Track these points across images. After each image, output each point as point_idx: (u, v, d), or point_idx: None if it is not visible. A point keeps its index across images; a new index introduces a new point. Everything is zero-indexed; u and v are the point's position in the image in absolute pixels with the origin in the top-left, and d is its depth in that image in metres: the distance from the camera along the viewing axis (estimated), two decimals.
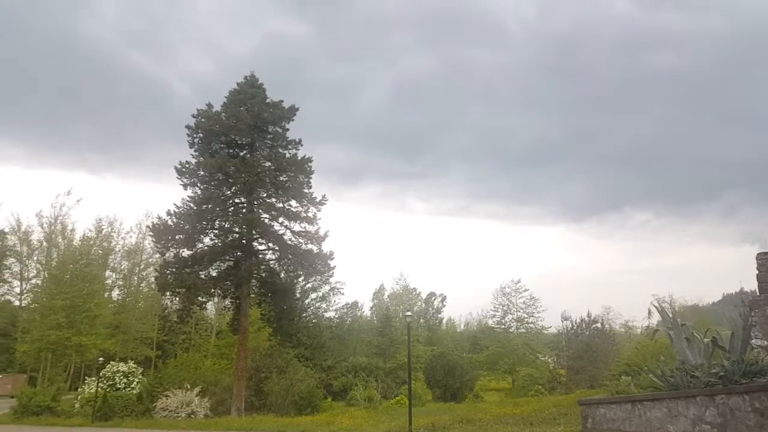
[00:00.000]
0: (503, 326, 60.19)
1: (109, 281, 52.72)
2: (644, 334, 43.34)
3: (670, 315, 14.07)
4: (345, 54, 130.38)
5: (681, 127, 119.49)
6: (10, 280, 52.32)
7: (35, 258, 51.39)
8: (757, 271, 9.92)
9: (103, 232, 51.71)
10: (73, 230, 50.65)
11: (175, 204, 27.85)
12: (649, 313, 42.70)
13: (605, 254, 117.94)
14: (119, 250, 53.97)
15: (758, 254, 9.98)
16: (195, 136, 28.32)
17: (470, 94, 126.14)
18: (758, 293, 9.88)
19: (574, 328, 43.49)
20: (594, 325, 42.83)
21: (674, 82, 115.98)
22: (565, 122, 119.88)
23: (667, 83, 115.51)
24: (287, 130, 29.45)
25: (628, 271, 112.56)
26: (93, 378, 32.41)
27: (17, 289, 52.73)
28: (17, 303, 53.23)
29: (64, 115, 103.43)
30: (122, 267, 54.58)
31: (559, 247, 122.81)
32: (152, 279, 48.65)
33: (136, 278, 54.90)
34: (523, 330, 58.79)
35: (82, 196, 69.50)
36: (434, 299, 72.11)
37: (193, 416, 24.15)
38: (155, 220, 28.86)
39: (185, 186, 28.03)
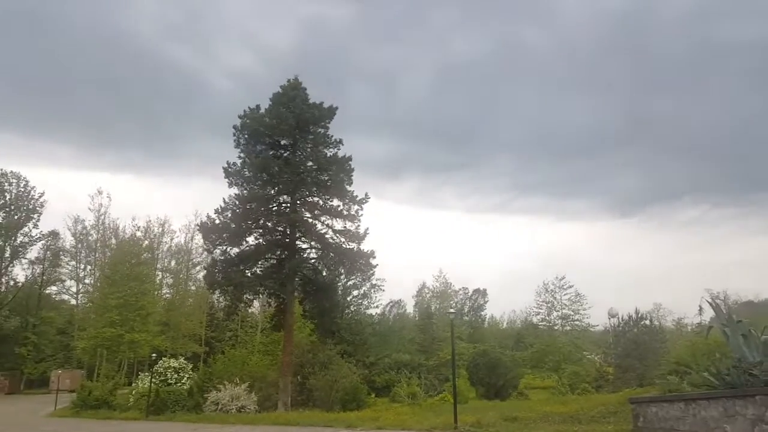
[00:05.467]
0: (548, 323, 59.31)
1: (158, 279, 54.52)
2: (696, 332, 41.86)
3: (725, 311, 13.62)
4: (388, 36, 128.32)
5: (752, 107, 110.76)
6: (65, 279, 55.00)
7: (91, 259, 53.75)
8: None
9: (153, 232, 53.56)
10: (118, 230, 52.74)
11: (224, 199, 28.88)
12: (701, 309, 41.19)
13: (656, 248, 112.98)
14: (167, 250, 55.85)
15: None
16: (241, 136, 29.11)
17: (520, 77, 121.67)
18: None
19: (621, 325, 42.41)
20: (642, 322, 41.66)
21: (746, 55, 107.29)
22: (622, 107, 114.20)
23: (738, 58, 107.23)
24: (328, 128, 30.05)
25: (680, 266, 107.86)
26: (146, 373, 33.53)
27: (73, 289, 55.27)
28: (74, 302, 55.81)
29: (107, 113, 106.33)
30: (171, 266, 56.43)
31: (607, 241, 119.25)
32: (200, 277, 50.08)
33: (183, 276, 56.62)
34: (568, 327, 57.78)
35: (123, 195, 71.89)
36: (477, 296, 71.75)
37: (243, 411, 24.74)
38: (204, 219, 29.79)
39: (231, 184, 28.99)
